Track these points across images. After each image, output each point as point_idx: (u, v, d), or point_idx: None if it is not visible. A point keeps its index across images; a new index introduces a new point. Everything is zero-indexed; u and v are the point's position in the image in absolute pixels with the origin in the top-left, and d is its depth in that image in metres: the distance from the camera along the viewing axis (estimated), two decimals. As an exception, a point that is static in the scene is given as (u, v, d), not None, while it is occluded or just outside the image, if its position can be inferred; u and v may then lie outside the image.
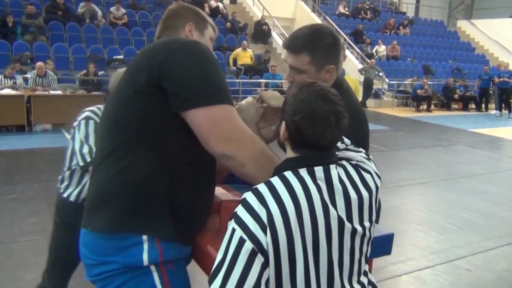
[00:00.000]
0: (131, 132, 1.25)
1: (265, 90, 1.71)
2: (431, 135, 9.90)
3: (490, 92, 14.77)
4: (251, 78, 12.53)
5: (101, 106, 2.25)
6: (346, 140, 1.32)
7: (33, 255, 3.44)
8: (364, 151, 1.29)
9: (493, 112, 14.41)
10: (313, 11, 17.34)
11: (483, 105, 14.98)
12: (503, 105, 13.96)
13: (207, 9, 13.75)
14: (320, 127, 1.08)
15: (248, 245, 1.00)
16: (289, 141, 1.15)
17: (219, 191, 1.68)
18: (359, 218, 1.12)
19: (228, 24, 14.09)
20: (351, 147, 1.30)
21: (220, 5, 14.84)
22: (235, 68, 12.68)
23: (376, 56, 15.53)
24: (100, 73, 10.43)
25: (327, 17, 16.66)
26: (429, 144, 8.86)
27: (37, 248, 3.54)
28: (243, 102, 1.57)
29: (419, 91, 13.94)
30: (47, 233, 3.34)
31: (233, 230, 1.02)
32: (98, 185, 1.30)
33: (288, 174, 1.08)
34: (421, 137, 9.59)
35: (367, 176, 1.17)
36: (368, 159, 1.25)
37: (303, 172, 1.09)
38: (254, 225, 1.01)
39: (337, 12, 17.95)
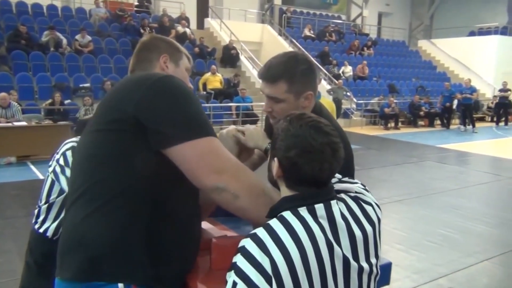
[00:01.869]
0: (105, 171, 1.18)
1: (242, 126, 1.67)
2: (401, 152, 10.07)
3: (453, 108, 15.25)
4: (221, 102, 12.54)
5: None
6: (337, 174, 1.26)
7: (0, 300, 3.22)
8: (359, 182, 1.24)
9: (457, 127, 14.87)
10: (280, 34, 17.64)
11: (445, 121, 15.44)
12: (467, 120, 14.41)
13: (173, 34, 13.74)
14: (317, 161, 1.02)
15: None
16: (284, 179, 1.08)
17: (206, 225, 1.60)
18: (365, 255, 1.07)
19: (197, 49, 14.11)
20: (345, 179, 1.25)
21: (188, 30, 14.89)
22: (205, 92, 12.66)
23: (343, 77, 15.85)
24: (66, 101, 10.19)
25: (294, 40, 16.96)
26: (400, 161, 9.00)
27: (5, 291, 3.31)
28: (224, 131, 1.52)
29: (386, 110, 14.28)
30: (17, 275, 3.12)
31: (235, 284, 0.95)
32: (70, 228, 1.21)
33: (288, 215, 1.02)
34: (392, 155, 9.74)
35: (368, 209, 1.12)
36: (365, 189, 1.20)
37: (303, 211, 1.02)
38: (258, 277, 0.93)
39: (303, 35, 18.31)
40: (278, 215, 1.03)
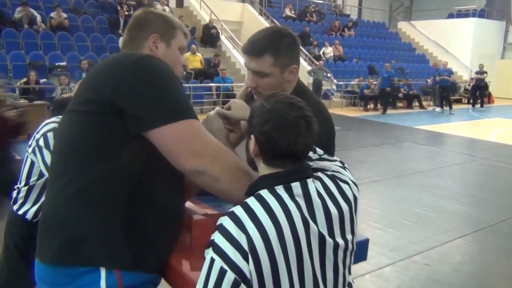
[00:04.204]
0: (84, 153, 1.16)
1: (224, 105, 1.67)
2: (380, 134, 10.21)
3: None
4: (201, 82, 12.42)
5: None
6: (319, 150, 1.28)
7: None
8: (338, 159, 1.26)
9: (432, 109, 15.10)
10: (260, 14, 17.46)
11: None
12: (444, 102, 14.64)
13: (153, 13, 13.46)
14: (292, 134, 1.04)
15: (230, 276, 0.94)
16: (261, 155, 1.10)
17: (187, 204, 1.60)
18: (341, 232, 1.09)
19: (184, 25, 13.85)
20: (325, 156, 1.26)
21: (167, 8, 14.58)
22: (185, 72, 12.50)
23: (324, 58, 15.85)
24: (42, 81, 9.93)
25: (274, 20, 16.81)
26: (379, 142, 9.13)
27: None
28: (211, 112, 1.50)
29: (366, 91, 14.39)
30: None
31: (212, 260, 0.96)
32: (49, 210, 1.20)
33: (265, 193, 1.03)
34: (371, 136, 9.87)
35: (345, 187, 1.13)
36: (344, 167, 1.22)
37: (280, 189, 1.04)
38: (234, 253, 0.95)
39: (283, 15, 18.16)
40: (256, 193, 1.04)
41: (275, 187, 1.04)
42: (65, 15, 12.01)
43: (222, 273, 0.94)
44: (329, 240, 1.06)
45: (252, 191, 1.07)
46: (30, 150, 2.05)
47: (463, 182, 6.55)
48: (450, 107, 14.46)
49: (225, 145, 1.46)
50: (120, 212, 1.16)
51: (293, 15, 18.45)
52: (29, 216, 2.07)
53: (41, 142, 2.00)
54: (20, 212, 2.07)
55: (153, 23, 1.38)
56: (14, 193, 2.12)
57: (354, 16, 22.01)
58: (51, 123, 2.07)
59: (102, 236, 1.15)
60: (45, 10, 12.38)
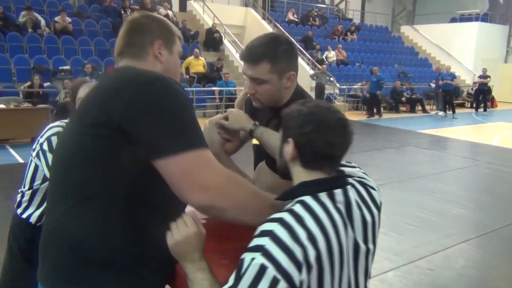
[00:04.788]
0: (88, 176, 1.13)
1: (225, 111, 1.66)
2: (382, 137, 10.20)
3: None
4: (204, 86, 12.45)
5: (68, 121, 2.10)
6: None
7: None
8: (356, 165, 1.28)
9: (435, 113, 15.07)
10: (263, 18, 17.50)
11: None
12: (448, 106, 14.62)
13: (156, 17, 13.51)
14: (331, 135, 1.08)
15: (283, 285, 0.94)
16: (299, 158, 1.11)
17: (187, 209, 1.60)
18: (372, 237, 1.13)
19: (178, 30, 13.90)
20: (344, 162, 1.27)
21: (170, 12, 14.65)
22: (187, 76, 12.54)
23: (327, 62, 15.87)
24: (45, 84, 9.99)
25: (277, 24, 16.86)
26: (381, 146, 9.11)
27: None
28: (207, 121, 1.51)
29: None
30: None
31: (264, 268, 0.94)
32: (52, 231, 1.18)
33: (310, 201, 1.04)
34: (373, 140, 9.85)
35: (374, 193, 1.17)
36: (365, 173, 1.25)
37: (324, 197, 1.05)
38: (289, 264, 0.95)
39: (286, 19, 18.21)
40: (299, 199, 1.05)
41: (318, 194, 1.06)
42: (69, 19, 12.08)
43: (275, 282, 0.94)
44: (362, 247, 1.09)
45: (290, 196, 1.08)
46: (34, 154, 2.06)
47: (466, 186, 6.53)
48: (453, 111, 14.43)
49: (218, 153, 1.46)
50: (126, 235, 1.15)
51: (296, 19, 18.49)
52: (32, 219, 2.07)
53: (45, 146, 2.01)
54: (24, 216, 2.08)
55: (155, 29, 1.33)
56: (18, 197, 2.13)
57: (356, 20, 22.03)
58: (55, 127, 2.08)
59: (108, 262, 1.14)
60: (49, 14, 12.46)
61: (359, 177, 1.19)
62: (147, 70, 1.21)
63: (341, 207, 1.07)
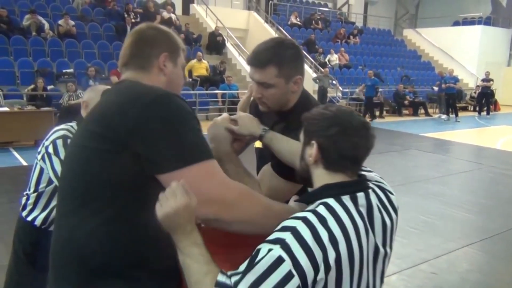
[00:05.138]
0: (100, 190, 1.14)
1: (234, 115, 1.68)
2: (385, 141, 10.17)
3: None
4: (207, 89, 12.47)
5: (73, 125, 2.11)
6: None
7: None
8: (372, 170, 1.28)
9: (438, 116, 15.06)
10: (266, 21, 17.53)
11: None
12: (450, 110, 14.60)
13: (158, 20, 13.56)
14: (356, 137, 1.09)
15: (296, 282, 0.94)
16: (322, 161, 1.11)
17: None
18: (390, 241, 1.15)
19: (182, 35, 13.93)
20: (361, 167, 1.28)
21: (173, 16, 14.70)
22: (190, 79, 12.56)
23: (329, 65, 15.88)
24: (49, 87, 10.03)
25: (280, 28, 16.88)
26: (384, 149, 9.10)
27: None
28: (218, 119, 1.51)
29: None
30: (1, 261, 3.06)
31: (281, 260, 0.95)
32: (63, 243, 1.19)
33: (333, 203, 1.05)
34: (376, 143, 9.65)
35: (392, 198, 1.19)
36: (381, 177, 1.26)
37: (347, 200, 1.07)
38: (306, 262, 0.95)
39: (289, 23, 18.24)
40: (322, 201, 1.06)
41: (341, 197, 1.07)
42: (72, 23, 12.12)
43: (289, 276, 0.94)
44: (381, 250, 1.11)
45: (313, 199, 1.09)
46: (39, 157, 2.07)
47: (470, 190, 6.51)
48: (456, 115, 14.42)
49: (228, 151, 1.47)
50: (139, 246, 1.16)
51: (299, 23, 18.52)
52: (37, 222, 2.08)
53: (50, 149, 2.02)
54: (29, 219, 2.08)
55: (162, 42, 1.34)
56: (23, 200, 2.13)
57: (359, 24, 22.05)
58: (60, 130, 2.09)
59: (122, 271, 1.15)
60: (53, 17, 12.50)
61: (376, 181, 1.20)
62: (151, 87, 1.23)
63: (363, 210, 1.08)
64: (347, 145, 1.09)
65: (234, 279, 0.97)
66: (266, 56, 1.45)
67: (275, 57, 1.45)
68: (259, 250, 0.98)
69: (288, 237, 0.97)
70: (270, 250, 0.96)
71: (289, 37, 15.54)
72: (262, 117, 1.60)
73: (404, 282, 3.49)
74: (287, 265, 0.94)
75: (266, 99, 1.50)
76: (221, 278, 0.99)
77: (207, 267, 1.02)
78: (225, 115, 1.53)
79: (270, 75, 1.46)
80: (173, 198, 1.03)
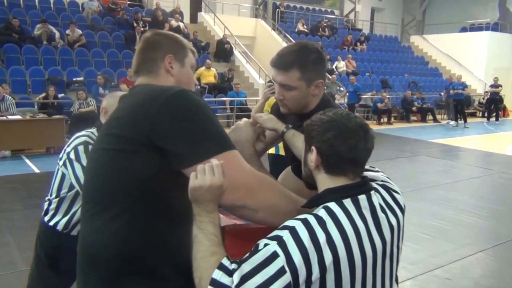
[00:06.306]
0: (123, 191, 1.18)
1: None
2: (394, 147, 10.16)
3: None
4: (215, 97, 12.54)
5: (94, 131, 2.16)
6: None
7: (1, 292, 3.23)
8: (380, 170, 1.30)
9: (446, 122, 15.01)
10: (273, 29, 17.61)
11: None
12: (459, 116, 14.55)
13: (167, 28, 13.69)
14: (352, 140, 1.10)
15: (287, 278, 0.96)
16: (322, 165, 1.13)
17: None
18: (397, 240, 1.15)
19: (190, 43, 14.02)
20: (367, 167, 1.30)
21: (181, 24, 14.83)
22: (199, 87, 12.64)
23: (337, 72, 15.91)
24: (60, 95, 10.14)
25: (287, 35, 16.95)
26: (393, 156, 9.08)
27: (7, 284, 3.32)
28: (241, 121, 1.55)
29: (379, 105, 14.38)
30: (17, 267, 3.11)
31: (276, 255, 0.98)
32: (89, 245, 1.22)
33: (334, 207, 1.07)
34: (385, 149, 9.82)
35: (398, 197, 1.19)
36: (388, 177, 1.27)
37: (348, 203, 1.08)
38: (300, 262, 0.97)
39: (296, 30, 18.31)
40: (324, 205, 1.08)
41: (343, 200, 1.08)
42: (80, 31, 12.25)
43: (281, 272, 0.96)
44: (389, 251, 1.11)
45: (316, 202, 1.11)
46: (61, 162, 2.11)
47: (480, 195, 6.48)
48: (465, 121, 14.35)
49: (251, 153, 1.51)
50: (164, 245, 1.20)
51: (306, 30, 18.59)
52: (59, 227, 2.11)
53: (72, 155, 2.06)
54: (51, 223, 2.12)
55: (165, 45, 1.39)
56: (45, 205, 2.17)
57: (366, 31, 22.08)
58: (81, 136, 2.13)
59: (149, 270, 1.19)
60: (63, 27, 12.67)
61: (382, 180, 1.21)
62: (166, 85, 1.28)
63: (366, 213, 1.08)
64: (343, 148, 1.10)
65: (233, 266, 1.01)
66: (290, 59, 1.49)
67: (298, 60, 1.49)
68: (257, 245, 1.02)
69: (285, 235, 1.00)
70: (266, 244, 1.00)
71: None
72: (282, 119, 1.64)
73: (418, 287, 3.49)
74: (280, 261, 0.97)
75: (287, 101, 1.54)
76: (225, 262, 1.02)
77: (216, 248, 1.05)
78: (246, 119, 1.57)
79: (293, 78, 1.50)
80: (210, 174, 1.07)
